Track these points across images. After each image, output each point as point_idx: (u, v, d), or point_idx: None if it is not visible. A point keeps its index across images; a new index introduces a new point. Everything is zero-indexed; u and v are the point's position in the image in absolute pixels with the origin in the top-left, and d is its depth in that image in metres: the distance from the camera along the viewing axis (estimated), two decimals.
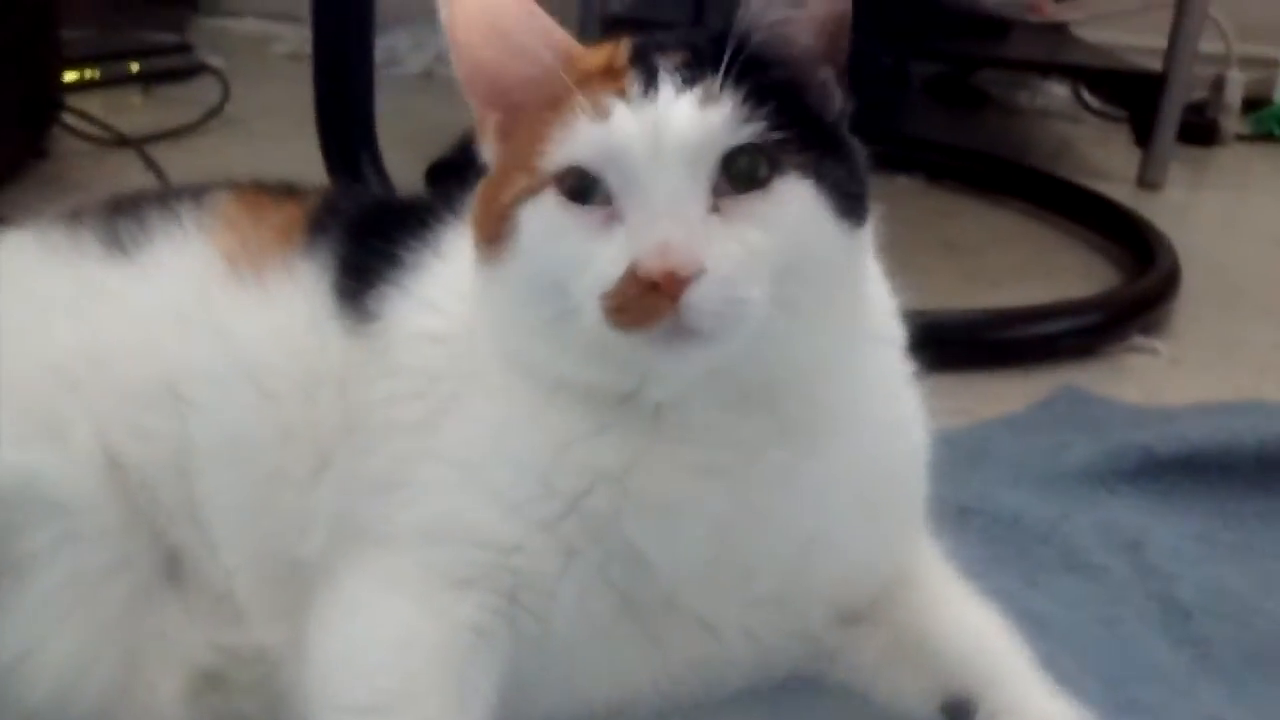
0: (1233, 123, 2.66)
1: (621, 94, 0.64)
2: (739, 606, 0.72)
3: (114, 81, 2.28)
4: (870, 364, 0.73)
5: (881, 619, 0.77)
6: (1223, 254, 1.96)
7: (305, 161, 1.54)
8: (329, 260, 0.77)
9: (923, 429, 0.75)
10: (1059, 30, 2.69)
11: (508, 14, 0.67)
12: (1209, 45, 2.44)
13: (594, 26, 2.33)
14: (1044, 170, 2.22)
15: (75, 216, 0.81)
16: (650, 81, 0.64)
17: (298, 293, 0.76)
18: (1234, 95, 2.63)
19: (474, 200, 0.71)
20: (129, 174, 1.80)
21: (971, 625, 0.76)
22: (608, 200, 0.63)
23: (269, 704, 0.73)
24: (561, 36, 0.68)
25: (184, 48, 2.47)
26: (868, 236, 0.71)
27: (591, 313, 0.63)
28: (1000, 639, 0.75)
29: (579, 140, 0.64)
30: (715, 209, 0.63)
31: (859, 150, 0.69)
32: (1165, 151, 2.27)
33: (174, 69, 2.36)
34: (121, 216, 0.80)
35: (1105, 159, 2.43)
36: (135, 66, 2.31)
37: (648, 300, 0.60)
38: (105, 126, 1.88)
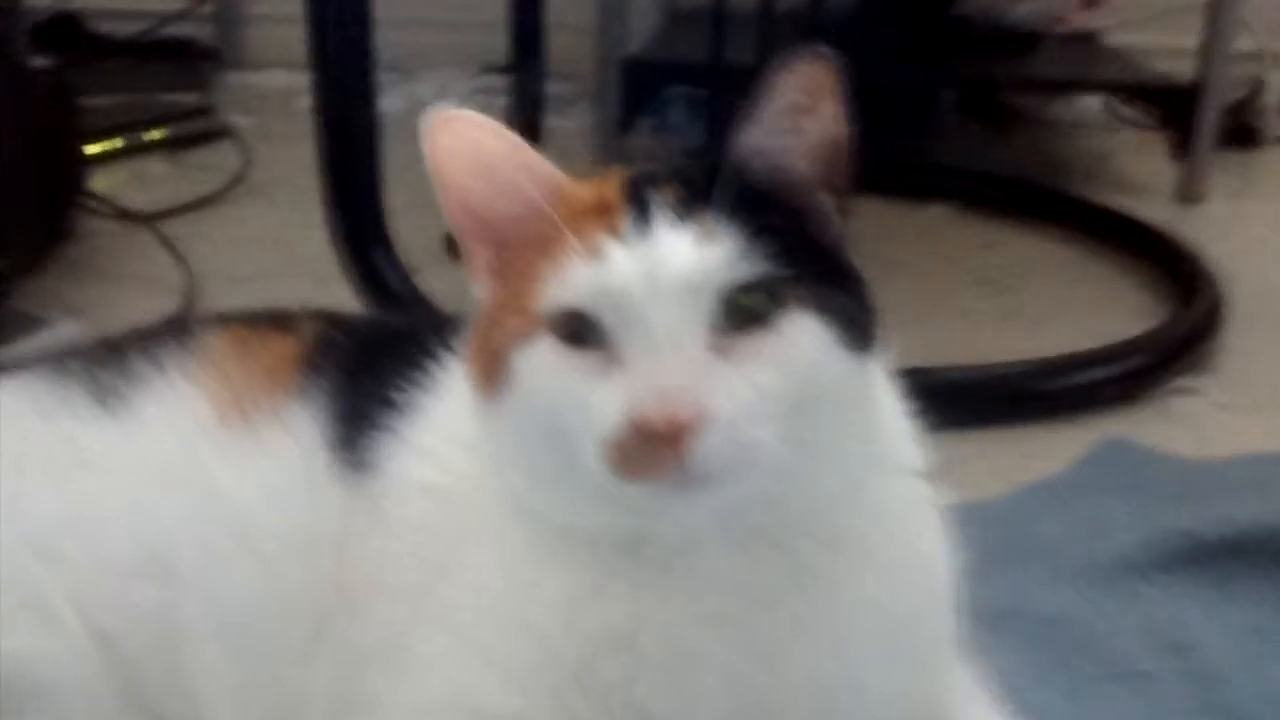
0: (1273, 124, 2.59)
1: (614, 232, 0.61)
2: None
3: (137, 150, 2.28)
4: (888, 495, 0.69)
5: None
6: (1272, 270, 1.90)
7: (326, 230, 1.52)
8: (322, 406, 0.74)
9: (947, 559, 0.71)
10: (1088, 40, 2.63)
11: (493, 150, 0.65)
12: (1244, 43, 2.38)
13: (614, 70, 2.32)
14: (1080, 195, 2.17)
15: (61, 362, 0.80)
16: (644, 218, 0.61)
17: (290, 444, 0.73)
18: (1273, 96, 2.57)
19: (468, 339, 0.68)
20: (152, 253, 1.81)
21: None
22: (605, 343, 0.61)
23: None
24: (549, 172, 0.66)
25: (206, 110, 2.47)
26: (879, 363, 0.67)
27: (594, 461, 0.60)
28: None
29: (572, 282, 0.61)
30: (717, 349, 0.60)
31: (863, 275, 0.66)
32: (1204, 163, 2.22)
33: (196, 133, 2.36)
34: (105, 366, 0.78)
35: (1143, 171, 2.37)
36: (158, 134, 2.31)
37: (651, 450, 0.58)
38: (120, 210, 1.88)
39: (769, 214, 0.62)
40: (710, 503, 0.61)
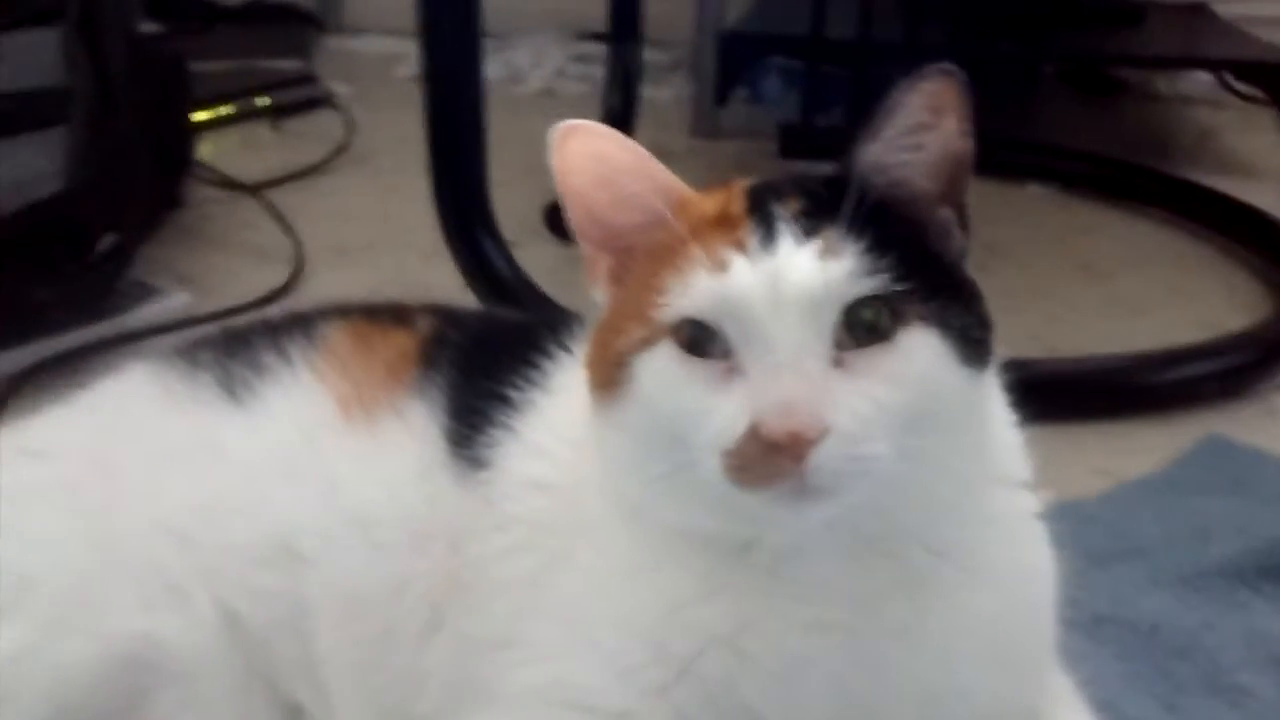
0: None
1: (738, 245, 0.63)
2: None
3: (243, 117, 2.33)
4: (996, 507, 0.70)
5: None
6: None
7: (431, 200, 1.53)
8: (439, 401, 0.76)
9: (1051, 570, 0.72)
10: (1198, 11, 2.56)
11: (617, 161, 0.66)
12: None
13: (710, 40, 2.31)
14: (1184, 176, 2.11)
15: (191, 353, 0.83)
16: (768, 232, 0.62)
17: (408, 438, 0.76)
18: None
19: (588, 344, 0.70)
20: (259, 222, 1.85)
21: None
22: (727, 353, 0.62)
23: None
24: (673, 183, 0.67)
25: (308, 78, 2.51)
26: (992, 378, 0.68)
27: (711, 468, 0.61)
28: None
29: (696, 293, 0.63)
30: (837, 362, 0.61)
31: (979, 290, 0.67)
32: None
33: (299, 101, 2.40)
34: (234, 358, 0.81)
35: (1253, 149, 2.31)
36: (263, 101, 2.36)
37: (770, 460, 0.59)
38: (226, 178, 1.93)
39: (890, 228, 0.63)
40: (824, 512, 0.62)
